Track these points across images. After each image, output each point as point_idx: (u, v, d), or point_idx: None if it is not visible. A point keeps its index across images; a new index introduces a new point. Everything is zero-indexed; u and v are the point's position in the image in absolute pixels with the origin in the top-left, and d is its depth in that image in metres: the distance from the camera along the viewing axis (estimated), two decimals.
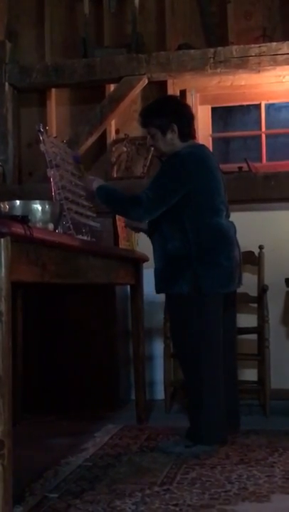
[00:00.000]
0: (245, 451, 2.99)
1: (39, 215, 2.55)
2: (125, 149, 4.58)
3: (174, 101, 3.36)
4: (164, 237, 3.05)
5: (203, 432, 2.99)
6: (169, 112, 3.13)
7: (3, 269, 1.99)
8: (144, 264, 3.75)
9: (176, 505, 2.30)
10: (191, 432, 3.04)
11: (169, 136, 3.12)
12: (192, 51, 4.38)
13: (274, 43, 4.29)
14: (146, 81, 4.48)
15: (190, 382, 3.09)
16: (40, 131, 3.06)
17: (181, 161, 3.02)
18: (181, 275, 3.00)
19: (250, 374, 4.09)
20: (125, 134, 4.58)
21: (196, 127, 3.33)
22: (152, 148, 4.41)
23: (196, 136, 3.32)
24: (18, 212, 2.41)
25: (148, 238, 3.24)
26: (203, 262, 2.99)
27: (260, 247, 4.10)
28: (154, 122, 3.14)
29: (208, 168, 3.08)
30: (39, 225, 2.49)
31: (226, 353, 3.12)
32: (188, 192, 2.99)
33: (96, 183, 3.17)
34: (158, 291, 3.17)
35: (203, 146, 3.28)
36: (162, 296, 3.53)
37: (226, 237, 3.09)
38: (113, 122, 4.63)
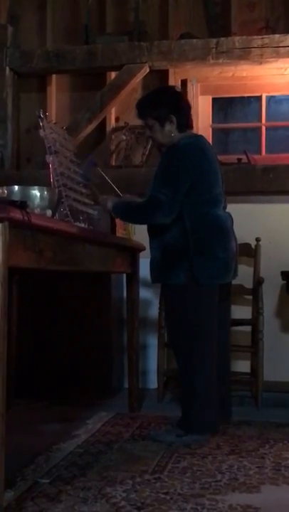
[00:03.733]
0: (237, 441, 3.00)
1: (37, 201, 2.54)
2: (124, 138, 4.56)
3: (172, 92, 3.31)
4: (161, 227, 3.04)
5: (194, 421, 3.01)
6: (167, 103, 3.11)
7: (0, 254, 1.98)
8: (140, 254, 3.75)
9: (166, 493, 2.31)
10: (182, 421, 3.06)
11: (168, 127, 3.11)
12: (194, 41, 4.36)
13: (277, 35, 4.27)
14: (148, 69, 4.46)
15: (183, 371, 3.10)
16: (40, 116, 3.05)
17: (182, 152, 3.01)
18: (178, 265, 3.00)
19: (243, 365, 4.10)
20: (125, 123, 4.57)
21: (195, 118, 3.32)
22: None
23: (194, 126, 3.30)
24: (16, 198, 2.40)
25: (145, 227, 3.23)
26: (200, 253, 2.99)
27: (257, 240, 4.10)
28: (152, 114, 3.12)
29: (208, 159, 3.08)
30: (37, 211, 2.49)
31: (219, 344, 3.13)
32: (190, 182, 2.99)
33: (110, 202, 3.15)
34: (154, 281, 3.17)
35: (201, 136, 3.26)
36: (158, 286, 3.53)
37: (223, 229, 3.09)
38: (113, 110, 4.61)
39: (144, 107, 3.18)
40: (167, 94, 3.22)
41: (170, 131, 3.11)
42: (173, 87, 3.28)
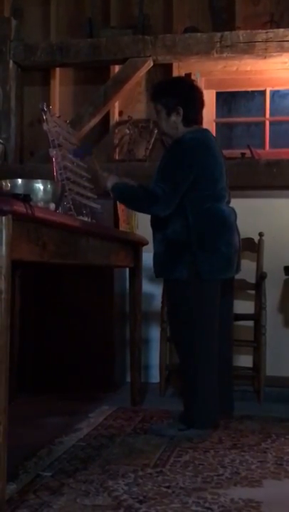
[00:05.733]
0: (239, 436, 3.01)
1: (41, 194, 2.54)
2: (128, 131, 4.55)
3: (187, 84, 3.25)
4: (164, 221, 3.03)
5: (196, 415, 3.01)
6: (178, 94, 3.11)
7: (3, 247, 1.98)
8: (143, 248, 3.75)
9: (168, 487, 2.31)
10: (184, 415, 3.06)
11: (173, 118, 3.10)
12: (198, 34, 4.34)
13: (281, 29, 4.25)
14: (152, 63, 4.45)
15: (185, 366, 3.10)
16: (43, 110, 3.04)
17: (186, 148, 3.00)
18: (181, 260, 3.00)
19: (245, 360, 4.10)
20: (128, 116, 4.56)
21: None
22: (156, 130, 4.42)
23: (202, 123, 3.27)
24: (19, 191, 2.40)
25: (148, 222, 3.23)
26: (203, 248, 2.98)
27: (260, 234, 4.10)
28: (162, 100, 3.12)
29: (212, 154, 3.07)
30: (40, 204, 2.48)
31: (221, 339, 3.13)
32: (193, 178, 2.98)
33: (110, 181, 3.12)
34: (157, 276, 3.17)
35: (206, 130, 3.25)
36: (160, 280, 3.53)
37: (226, 224, 3.08)
38: (117, 104, 4.60)
39: (156, 92, 3.20)
40: (181, 86, 3.20)
41: (175, 122, 3.10)
42: (192, 81, 3.25)
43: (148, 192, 3.00)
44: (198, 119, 3.17)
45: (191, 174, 2.97)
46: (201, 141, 3.06)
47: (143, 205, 3.06)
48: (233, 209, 3.19)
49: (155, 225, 3.14)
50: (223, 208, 3.09)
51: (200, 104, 3.17)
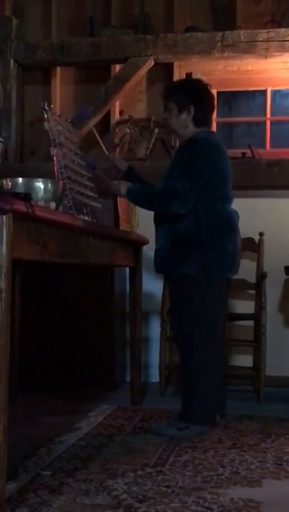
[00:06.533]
0: (238, 436, 3.01)
1: (41, 193, 2.53)
2: (129, 131, 4.55)
3: (200, 86, 3.28)
4: (172, 217, 3.04)
5: (194, 411, 3.02)
6: (191, 93, 3.15)
7: (4, 246, 1.98)
8: (144, 247, 3.74)
9: (168, 486, 2.31)
10: (182, 412, 3.07)
11: (184, 116, 3.13)
12: (200, 34, 4.34)
13: (282, 29, 4.25)
14: (153, 62, 4.45)
15: (186, 364, 3.10)
16: (44, 109, 3.04)
17: (201, 148, 3.04)
18: (190, 256, 3.01)
19: (245, 360, 4.11)
20: (129, 116, 4.56)
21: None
22: (156, 130, 4.43)
23: (211, 126, 3.30)
24: (20, 190, 2.40)
25: (149, 221, 3.22)
26: (212, 246, 3.01)
27: (261, 234, 4.10)
28: (174, 97, 3.16)
29: (222, 155, 3.12)
30: (41, 203, 2.48)
31: None
32: (207, 177, 3.01)
33: (123, 188, 3.14)
34: (160, 271, 3.18)
35: (214, 133, 3.32)
36: (161, 279, 3.53)
37: (233, 224, 3.13)
38: (117, 103, 4.60)
39: (170, 89, 3.26)
40: (194, 86, 3.26)
41: (185, 120, 3.14)
42: (206, 84, 3.29)
43: (167, 189, 3.02)
44: (208, 121, 3.22)
45: (206, 173, 3.01)
46: (212, 141, 3.12)
47: (163, 202, 3.05)
48: (236, 211, 3.21)
49: (159, 219, 3.14)
50: (230, 209, 3.15)
51: (211, 107, 3.23)
